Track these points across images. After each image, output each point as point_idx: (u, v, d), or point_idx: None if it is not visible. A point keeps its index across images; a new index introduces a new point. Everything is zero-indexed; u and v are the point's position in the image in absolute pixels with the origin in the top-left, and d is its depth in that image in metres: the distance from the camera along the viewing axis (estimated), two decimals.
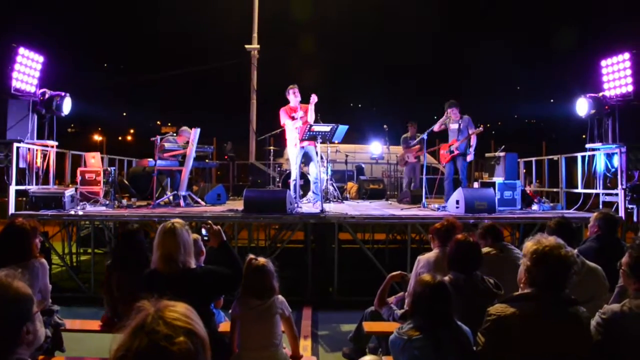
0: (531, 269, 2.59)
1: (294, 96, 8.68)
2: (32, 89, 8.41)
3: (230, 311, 3.52)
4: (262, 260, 3.44)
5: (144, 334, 1.20)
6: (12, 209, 7.71)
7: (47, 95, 8.58)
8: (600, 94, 8.59)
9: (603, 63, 8.60)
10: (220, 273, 3.29)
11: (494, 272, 3.66)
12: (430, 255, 4.26)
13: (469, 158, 9.45)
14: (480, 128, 9.23)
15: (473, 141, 9.31)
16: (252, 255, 3.49)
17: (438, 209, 8.52)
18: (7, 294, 1.49)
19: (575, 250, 3.06)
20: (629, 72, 8.12)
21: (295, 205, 8.07)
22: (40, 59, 8.50)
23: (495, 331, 2.56)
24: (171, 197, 9.17)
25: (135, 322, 1.24)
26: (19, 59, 8.11)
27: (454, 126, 9.44)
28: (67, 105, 8.83)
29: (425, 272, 3.66)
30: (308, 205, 8.88)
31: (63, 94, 8.75)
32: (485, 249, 4.13)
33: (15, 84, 8.09)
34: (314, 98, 8.68)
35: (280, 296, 3.48)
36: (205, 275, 3.23)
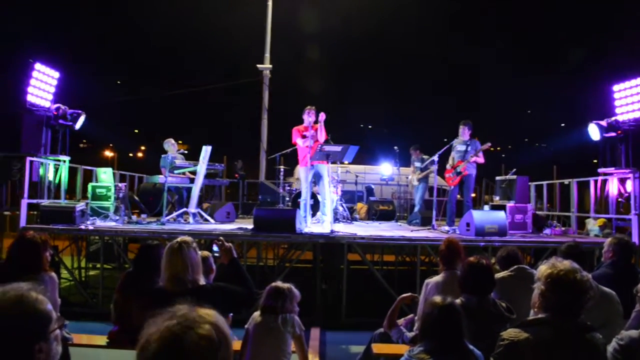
0: (545, 293, 2.53)
1: (307, 117, 8.67)
2: (47, 104, 8.52)
3: (246, 325, 3.55)
4: (286, 285, 3.54)
5: (175, 317, 1.33)
6: (23, 223, 7.75)
7: (61, 111, 8.68)
8: (613, 119, 8.56)
9: (615, 88, 8.60)
10: (230, 290, 3.28)
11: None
12: (438, 278, 4.23)
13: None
14: (489, 144, 8.98)
15: (481, 161, 9.15)
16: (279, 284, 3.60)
17: (448, 231, 8.47)
18: (24, 308, 1.44)
19: (590, 276, 3.02)
20: None
21: (305, 224, 8.05)
22: (56, 74, 8.63)
23: (508, 356, 2.50)
24: (181, 214, 9.19)
25: (171, 311, 1.37)
26: (35, 74, 8.23)
27: (461, 147, 9.11)
28: (80, 121, 8.96)
29: (434, 295, 3.63)
30: (317, 225, 8.85)
31: (79, 111, 8.88)
32: (502, 274, 4.10)
33: (30, 98, 8.20)
34: (322, 116, 8.65)
35: (295, 315, 3.50)
36: (214, 292, 3.21)
